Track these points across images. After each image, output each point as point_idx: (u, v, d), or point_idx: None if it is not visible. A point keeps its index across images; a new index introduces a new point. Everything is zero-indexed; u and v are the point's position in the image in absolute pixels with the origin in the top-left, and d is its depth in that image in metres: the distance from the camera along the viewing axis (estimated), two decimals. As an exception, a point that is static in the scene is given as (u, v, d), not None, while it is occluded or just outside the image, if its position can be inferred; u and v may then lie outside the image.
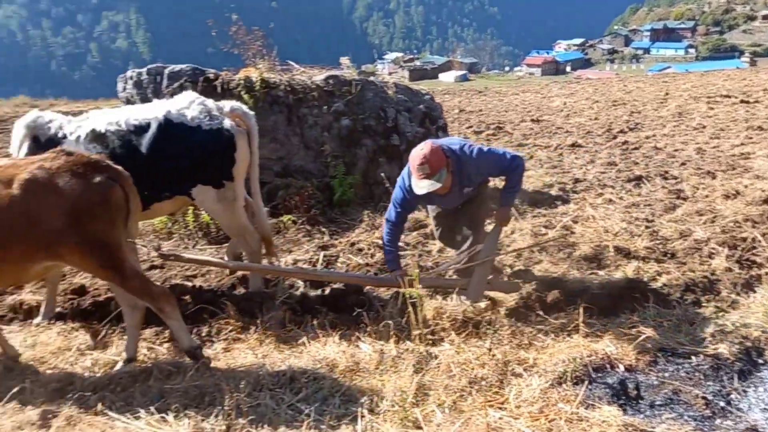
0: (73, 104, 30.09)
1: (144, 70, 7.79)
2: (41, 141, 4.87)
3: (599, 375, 3.77)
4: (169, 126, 4.80)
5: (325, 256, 6.22)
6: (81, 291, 5.45)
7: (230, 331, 4.68)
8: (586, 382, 3.61)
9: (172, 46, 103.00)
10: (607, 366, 3.85)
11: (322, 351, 4.19)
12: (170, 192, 4.97)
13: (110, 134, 4.85)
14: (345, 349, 4.16)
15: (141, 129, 4.82)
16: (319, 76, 8.19)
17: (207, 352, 4.32)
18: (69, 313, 5.06)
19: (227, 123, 4.88)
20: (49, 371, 4.18)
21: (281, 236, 6.92)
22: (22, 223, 3.73)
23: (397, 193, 4.78)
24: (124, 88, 7.90)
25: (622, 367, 3.86)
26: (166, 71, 7.59)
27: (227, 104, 5.06)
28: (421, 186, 4.47)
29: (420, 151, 4.49)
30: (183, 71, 7.58)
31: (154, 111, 4.90)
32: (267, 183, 7.67)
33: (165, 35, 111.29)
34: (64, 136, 4.91)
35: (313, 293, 5.31)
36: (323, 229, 7.06)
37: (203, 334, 4.66)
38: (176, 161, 4.81)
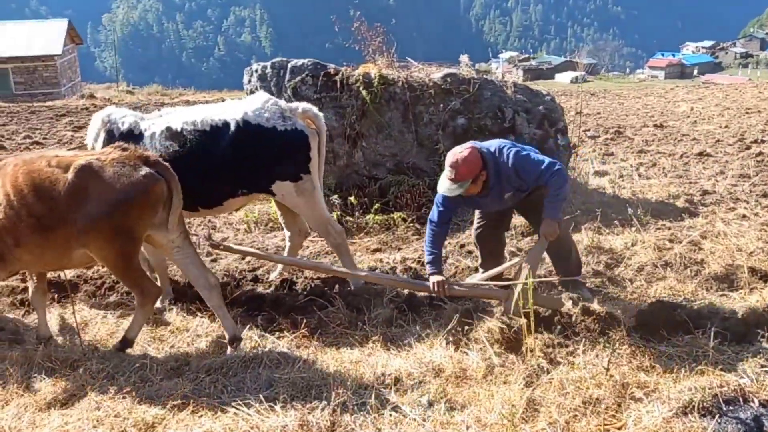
0: (199, 94, 31.88)
1: (269, 63, 8.02)
2: (115, 135, 5.03)
3: (730, 408, 3.44)
4: (247, 126, 4.93)
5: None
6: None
7: (338, 324, 4.71)
8: (716, 416, 3.31)
9: (292, 41, 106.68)
10: (740, 399, 3.50)
11: (429, 354, 4.12)
12: (248, 189, 5.14)
13: (187, 132, 4.97)
14: (452, 355, 4.06)
15: (218, 129, 4.95)
16: (436, 73, 8.10)
17: (314, 343, 4.38)
18: (189, 295, 5.29)
19: (299, 124, 5.03)
20: (168, 350, 4.37)
21: (390, 233, 6.91)
22: (70, 205, 4.02)
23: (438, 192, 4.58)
24: (249, 81, 8.18)
25: (757, 402, 3.51)
26: (290, 65, 7.78)
27: (299, 105, 5.19)
28: (443, 186, 4.42)
29: (457, 153, 4.38)
30: (305, 65, 7.74)
31: (231, 111, 5.02)
32: (380, 179, 7.70)
33: (286, 31, 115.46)
34: (140, 133, 5.07)
35: (420, 293, 5.25)
36: (433, 229, 6.98)
37: (312, 326, 4.69)
38: (253, 160, 4.95)
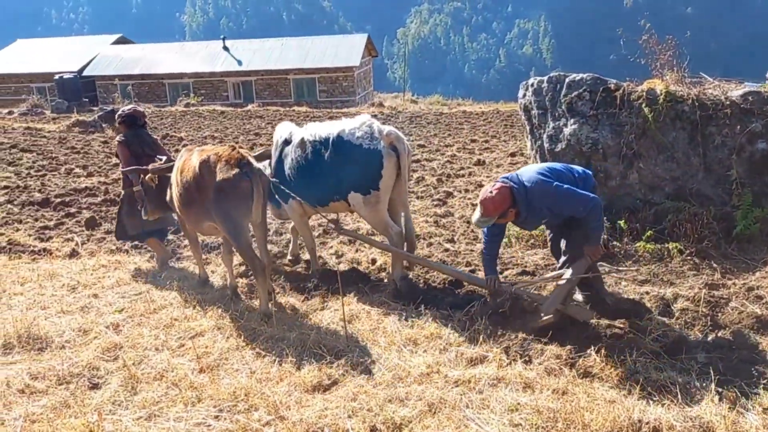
0: (476, 105, 32.78)
1: (545, 78, 7.89)
2: (281, 141, 6.28)
3: None
4: (340, 142, 5.78)
5: (712, 296, 5.46)
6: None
7: (590, 366, 4.40)
8: None
9: (574, 53, 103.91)
10: None
11: (696, 407, 3.67)
12: (339, 195, 5.96)
13: (308, 143, 5.97)
14: (725, 414, 3.56)
15: (323, 142, 5.87)
16: (735, 91, 7.19)
17: (566, 372, 4.18)
18: (445, 302, 5.46)
19: (381, 144, 5.68)
20: (421, 354, 4.55)
21: (663, 264, 6.32)
22: (198, 191, 5.43)
23: None
24: (524, 95, 8.15)
25: None
26: (567, 80, 7.56)
27: (386, 128, 5.79)
28: (475, 217, 4.99)
29: (487, 192, 4.88)
30: (583, 80, 7.45)
31: (335, 128, 5.90)
32: (656, 204, 7.10)
33: (569, 43, 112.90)
34: (290, 141, 6.18)
35: (687, 333, 4.70)
36: (714, 265, 6.21)
37: (590, 364, 4.35)
38: (341, 171, 5.79)
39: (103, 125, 20.64)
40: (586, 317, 4.95)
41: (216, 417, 3.78)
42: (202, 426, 3.71)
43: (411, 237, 6.22)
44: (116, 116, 7.49)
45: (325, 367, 4.31)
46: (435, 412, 3.66)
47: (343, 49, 40.16)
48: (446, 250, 7.27)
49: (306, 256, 6.91)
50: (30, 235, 8.60)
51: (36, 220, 9.38)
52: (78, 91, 33.15)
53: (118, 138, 7.25)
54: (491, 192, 4.85)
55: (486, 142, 16.26)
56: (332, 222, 6.15)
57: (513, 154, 13.81)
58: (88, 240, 8.39)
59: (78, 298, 6.13)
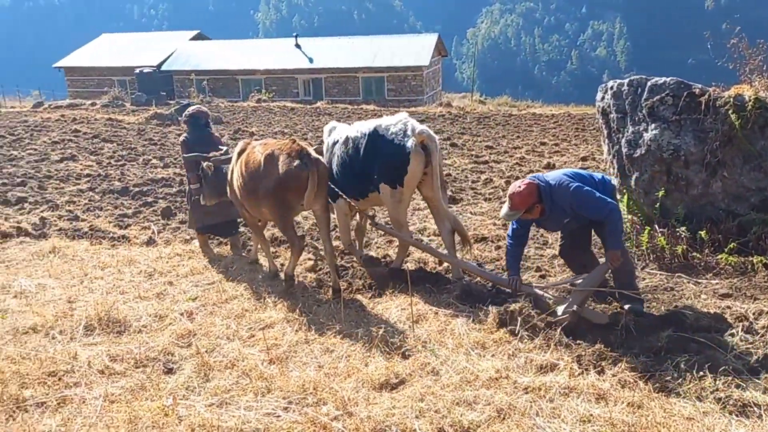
0: (546, 107, 32.18)
1: (625, 81, 7.64)
2: (330, 143, 6.59)
3: None
4: (375, 135, 6.07)
5: (799, 315, 5.16)
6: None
7: (667, 380, 4.25)
8: None
9: (649, 56, 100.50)
10: None
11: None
12: (374, 186, 6.16)
13: (350, 140, 6.26)
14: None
15: (362, 137, 6.15)
16: (832, 98, 6.77)
17: (641, 385, 4.03)
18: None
19: (410, 142, 5.86)
20: (489, 358, 4.48)
21: (746, 279, 6.02)
22: (259, 181, 5.92)
23: None
24: (603, 98, 7.91)
25: None
26: (649, 83, 7.29)
27: (419, 127, 5.95)
28: (503, 211, 5.31)
29: (516, 187, 5.18)
30: (666, 84, 7.18)
31: (372, 125, 6.17)
32: (740, 215, 6.77)
33: (645, 45, 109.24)
34: (336, 141, 6.46)
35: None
36: (804, 282, 5.88)
37: (667, 378, 4.18)
38: (374, 164, 6.05)
39: (179, 118, 21.34)
40: (601, 320, 5.02)
41: (285, 408, 3.83)
42: (271, 416, 3.77)
43: (463, 232, 6.48)
44: (183, 117, 7.90)
45: (392, 366, 4.31)
46: (504, 418, 3.60)
47: (412, 49, 40.15)
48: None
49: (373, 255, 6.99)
50: (110, 222, 8.98)
51: (116, 207, 9.78)
52: (156, 84, 34.40)
53: (182, 137, 7.65)
54: (520, 187, 5.15)
55: (556, 145, 15.94)
56: (369, 217, 6.70)
57: (584, 158, 13.49)
58: (163, 229, 8.68)
59: (154, 285, 6.35)
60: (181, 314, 5.48)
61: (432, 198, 6.22)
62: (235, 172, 6.38)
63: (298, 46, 41.85)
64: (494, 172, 12.54)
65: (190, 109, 7.77)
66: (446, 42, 48.35)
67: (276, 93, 36.52)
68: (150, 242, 8.01)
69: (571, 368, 4.27)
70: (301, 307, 5.57)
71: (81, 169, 12.63)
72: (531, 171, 12.32)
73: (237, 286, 6.29)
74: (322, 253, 7.04)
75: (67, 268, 6.89)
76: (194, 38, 45.41)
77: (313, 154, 5.90)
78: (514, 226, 5.49)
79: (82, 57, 43.37)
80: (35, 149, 14.88)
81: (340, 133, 6.51)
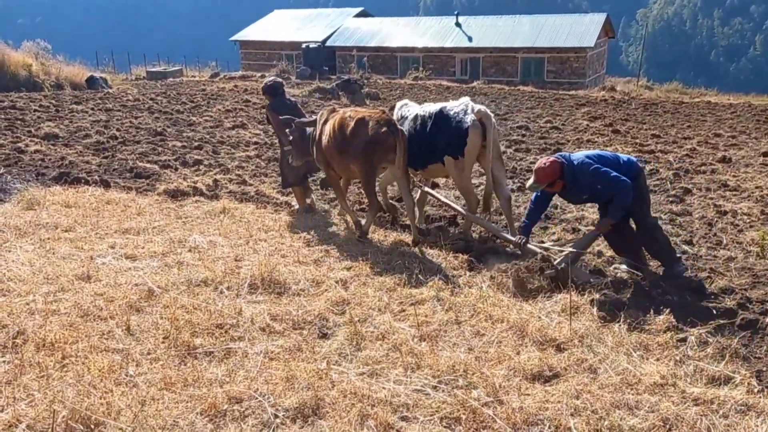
0: (722, 96, 29.41)
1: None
2: (400, 117, 7.50)
3: None
4: (439, 116, 7.03)
5: None
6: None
7: None
8: None
9: None
10: None
11: None
12: (436, 158, 7.09)
13: (419, 117, 7.24)
14: None
15: (429, 116, 7.13)
16: None
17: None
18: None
19: (469, 119, 6.79)
20: (653, 362, 4.17)
21: None
22: (350, 141, 6.80)
23: None
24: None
25: None
26: None
27: (478, 107, 6.87)
28: (529, 182, 5.95)
29: (542, 163, 5.75)
30: None
31: (439, 106, 7.15)
32: None
33: None
34: (406, 117, 7.43)
35: None
36: None
37: None
38: (439, 138, 6.98)
39: (340, 93, 22.03)
40: (583, 278, 5.63)
41: (434, 387, 3.82)
42: (420, 393, 3.77)
43: (488, 195, 7.15)
44: (262, 88, 9.03)
45: (546, 358, 4.14)
46: (670, 429, 3.33)
47: (577, 29, 38.33)
48: (684, 252, 6.61)
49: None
50: (273, 188, 9.47)
51: (279, 175, 10.29)
52: (320, 60, 35.79)
53: (267, 107, 8.59)
54: (545, 164, 5.75)
55: (733, 137, 14.56)
56: (417, 181, 7.71)
57: (765, 154, 12.17)
58: (321, 198, 9.00)
59: (312, 252, 6.60)
60: (336, 282, 5.64)
61: (487, 167, 6.98)
62: (325, 133, 7.17)
63: (458, 24, 41.52)
64: (661, 162, 11.69)
65: (268, 79, 8.85)
66: (614, 22, 45.58)
67: (433, 71, 36.59)
68: (308, 210, 8.34)
69: (749, 384, 3.86)
70: (453, 288, 5.52)
71: (249, 137, 13.46)
72: (703, 164, 11.36)
73: (389, 259, 6.38)
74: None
75: (234, 228, 7.36)
76: (358, 15, 46.54)
77: (396, 124, 6.85)
78: (538, 194, 6.11)
79: (255, 31, 46.13)
80: (211, 116, 16.06)
81: (411, 110, 7.50)
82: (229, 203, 8.44)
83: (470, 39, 39.77)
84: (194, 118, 15.61)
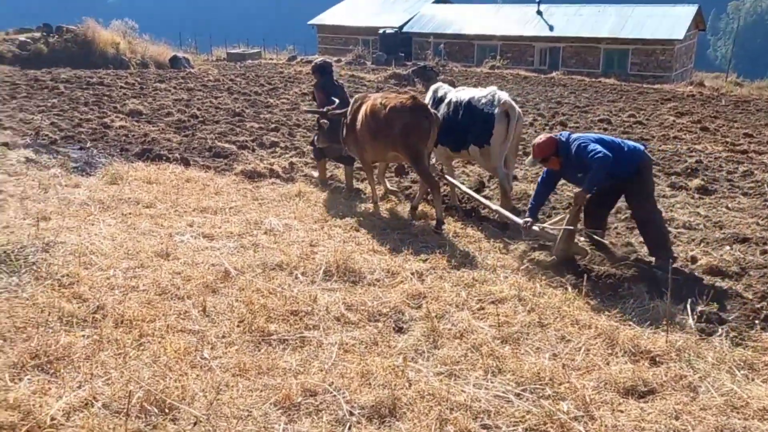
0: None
1: None
2: (435, 99, 7.88)
3: None
4: (469, 106, 7.36)
5: None
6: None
7: None
8: None
9: None
10: None
11: None
12: (462, 146, 7.47)
13: (451, 104, 7.58)
14: None
15: (460, 103, 7.48)
16: None
17: None
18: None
19: (496, 110, 7.08)
20: (760, 383, 3.80)
21: None
22: (386, 127, 6.93)
23: None
24: None
25: None
26: None
27: (504, 98, 7.14)
28: (527, 160, 6.48)
29: (537, 139, 6.09)
30: None
31: (469, 94, 7.47)
32: None
33: None
34: (442, 99, 7.78)
35: None
36: None
37: None
38: (467, 128, 7.32)
39: (415, 80, 21.77)
40: (583, 254, 5.96)
41: (518, 395, 3.59)
42: (502, 400, 3.55)
43: (504, 185, 7.41)
44: (311, 67, 9.37)
45: (640, 371, 3.83)
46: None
47: (667, 21, 36.54)
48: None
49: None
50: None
51: (356, 162, 10.18)
52: (397, 45, 35.54)
53: (315, 85, 8.97)
54: (540, 140, 6.02)
55: (833, 138, 13.50)
56: (439, 171, 7.91)
57: None
58: (396, 186, 8.83)
59: (387, 240, 6.44)
60: (412, 274, 5.46)
61: (509, 155, 7.40)
62: (358, 120, 7.35)
63: (539, 12, 40.31)
64: (755, 164, 10.92)
65: (318, 59, 9.48)
66: (703, 14, 43.21)
67: (510, 60, 35.74)
68: (383, 198, 8.19)
69: None
70: (534, 287, 5.25)
71: (325, 121, 13.41)
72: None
73: (466, 252, 6.15)
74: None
75: (310, 212, 7.30)
76: (436, 1, 45.95)
77: (429, 108, 7.07)
78: (543, 175, 6.32)
79: (332, 16, 46.25)
80: (288, 99, 16.15)
81: (446, 94, 7.80)
82: (305, 186, 8.39)
83: (551, 28, 38.57)
84: (271, 100, 15.73)
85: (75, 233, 5.82)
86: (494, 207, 7.12)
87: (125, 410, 3.07)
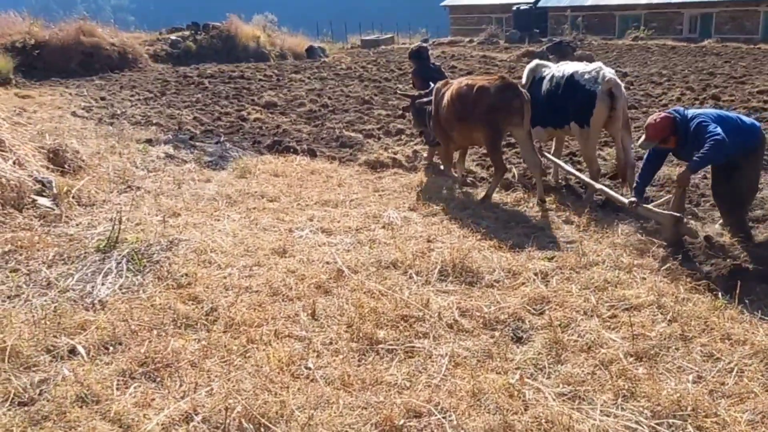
0: None
1: None
2: (535, 78, 7.54)
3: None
4: (569, 81, 7.02)
5: None
6: None
7: None
8: None
9: None
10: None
11: None
12: (566, 122, 7.16)
13: (554, 78, 7.21)
14: None
15: (562, 78, 7.11)
16: None
17: None
18: None
19: (598, 89, 6.78)
20: None
21: None
22: (472, 109, 6.83)
23: None
24: None
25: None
26: None
27: (609, 75, 6.79)
28: (639, 140, 5.91)
29: (652, 120, 5.68)
30: None
31: (571, 69, 7.09)
32: None
33: None
34: (543, 77, 7.40)
35: None
36: None
37: None
38: (568, 103, 7.01)
39: (550, 56, 20.71)
40: (693, 236, 5.55)
41: (653, 429, 3.10)
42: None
43: (622, 165, 7.11)
44: (408, 53, 9.76)
45: None
46: None
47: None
48: None
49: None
50: (475, 163, 8.99)
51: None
52: (531, 22, 34.14)
53: (413, 71, 9.27)
54: (656, 120, 5.63)
55: None
56: (540, 149, 7.62)
57: None
58: (513, 178, 8.31)
59: (510, 235, 6.03)
60: (536, 274, 5.02)
61: (616, 136, 7.09)
62: (442, 105, 7.25)
63: (691, -26, 36.89)
64: None
65: (414, 46, 9.71)
66: None
67: (656, 30, 33.09)
68: (509, 187, 7.73)
69: None
70: (677, 292, 4.62)
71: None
72: None
73: (600, 249, 5.57)
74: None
75: (430, 203, 7.02)
76: (574, -28, 43.53)
77: (520, 87, 6.89)
78: (650, 153, 5.91)
79: (464, -5, 45.34)
80: (415, 84, 15.91)
81: (547, 70, 7.46)
82: (427, 176, 8.12)
83: (704, -9, 35.21)
84: (401, 86, 15.58)
85: (199, 230, 5.96)
86: (598, 186, 6.87)
87: (223, 427, 2.99)
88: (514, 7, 35.74)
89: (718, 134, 5.19)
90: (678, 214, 5.63)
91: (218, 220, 6.39)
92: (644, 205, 5.97)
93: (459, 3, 44.62)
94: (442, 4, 46.34)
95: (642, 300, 4.50)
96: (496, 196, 7.29)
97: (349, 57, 24.77)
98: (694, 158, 5.32)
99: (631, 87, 14.91)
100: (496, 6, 41.46)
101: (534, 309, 4.46)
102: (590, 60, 20.60)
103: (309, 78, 18.08)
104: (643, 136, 5.74)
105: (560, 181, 8.01)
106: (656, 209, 5.95)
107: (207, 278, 4.84)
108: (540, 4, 39.06)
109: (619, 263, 5.23)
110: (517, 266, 5.19)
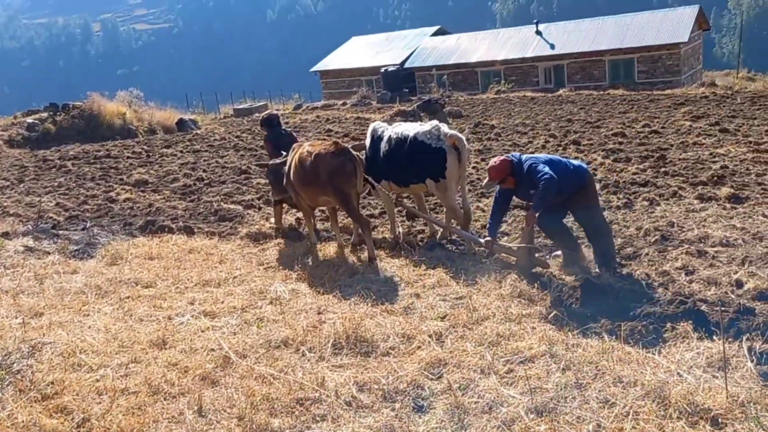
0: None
1: None
2: (374, 138, 7.97)
3: None
4: (414, 141, 7.43)
5: None
6: None
7: None
8: None
9: None
10: None
11: None
12: (417, 180, 7.62)
13: (392, 139, 7.69)
14: None
15: (404, 139, 7.55)
16: None
17: None
18: None
19: (445, 145, 7.25)
20: None
21: None
22: (314, 175, 7.20)
23: None
24: None
25: None
26: None
27: (450, 132, 7.33)
28: (484, 182, 6.93)
29: (493, 162, 6.47)
30: None
31: (413, 130, 7.55)
32: None
33: None
34: (381, 137, 7.87)
35: None
36: None
37: None
38: (416, 162, 7.44)
39: (421, 114, 21.47)
40: (545, 267, 6.35)
41: (562, 486, 3.05)
42: (544, 494, 3.01)
43: (467, 211, 7.69)
44: (259, 120, 9.97)
45: (703, 438, 3.28)
46: None
47: (667, 25, 36.09)
48: None
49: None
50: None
51: (363, 208, 9.77)
52: (400, 82, 35.42)
53: (264, 138, 9.51)
54: (496, 162, 6.41)
55: None
56: (400, 202, 8.17)
57: None
58: (407, 234, 8.38)
59: (401, 297, 5.97)
60: (430, 336, 4.96)
61: (462, 185, 7.71)
62: (292, 168, 7.54)
63: (538, 32, 40.11)
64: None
65: (264, 113, 9.74)
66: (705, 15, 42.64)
67: (515, 83, 35.44)
68: (394, 247, 7.74)
69: None
70: (565, 339, 4.71)
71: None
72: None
73: (488, 303, 5.62)
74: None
75: (318, 272, 6.87)
76: (435, 34, 46.09)
77: (353, 151, 7.36)
78: (497, 195, 6.63)
79: (334, 60, 46.54)
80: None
81: (385, 130, 7.86)
82: (312, 243, 7.97)
83: (552, 46, 38.32)
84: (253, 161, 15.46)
85: (66, 329, 5.42)
86: (455, 228, 7.49)
87: None
88: (383, 69, 37.05)
89: (547, 173, 5.96)
90: (531, 245, 6.39)
91: (87, 316, 5.87)
92: (499, 243, 6.70)
93: (329, 68, 45.74)
94: (312, 69, 47.28)
95: (535, 351, 4.53)
96: (385, 258, 7.24)
97: (222, 127, 24.41)
98: (534, 199, 6.09)
99: (500, 138, 15.67)
100: (365, 69, 42.86)
101: (431, 373, 4.36)
102: (459, 115, 21.65)
103: (181, 151, 17.55)
104: (487, 178, 6.49)
105: (447, 236, 8.07)
106: (510, 245, 6.76)
107: (77, 384, 4.35)
108: (407, 65, 40.84)
109: (509, 315, 5.29)
110: (410, 330, 5.11)
